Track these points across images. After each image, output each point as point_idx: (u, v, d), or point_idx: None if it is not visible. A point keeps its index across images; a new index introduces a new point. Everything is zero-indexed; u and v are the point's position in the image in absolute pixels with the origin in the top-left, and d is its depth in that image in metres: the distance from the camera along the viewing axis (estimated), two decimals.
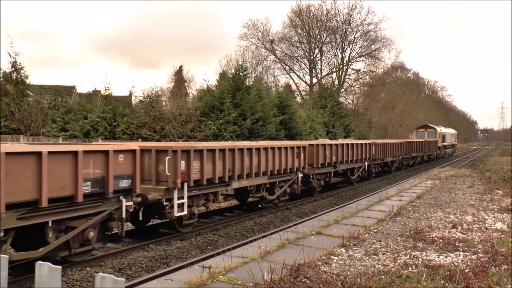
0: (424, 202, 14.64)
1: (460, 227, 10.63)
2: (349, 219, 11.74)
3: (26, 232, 7.73)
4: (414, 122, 70.98)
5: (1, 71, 23.96)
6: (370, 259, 7.85)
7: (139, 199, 9.60)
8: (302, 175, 16.61)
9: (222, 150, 12.24)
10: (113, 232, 9.57)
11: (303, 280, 6.49)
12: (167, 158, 10.47)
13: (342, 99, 51.16)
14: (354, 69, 57.22)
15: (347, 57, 55.82)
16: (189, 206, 11.14)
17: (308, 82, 56.41)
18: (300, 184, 16.46)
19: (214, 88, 26.48)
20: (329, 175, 19.87)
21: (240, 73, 26.89)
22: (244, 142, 18.06)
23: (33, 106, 23.99)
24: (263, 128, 25.72)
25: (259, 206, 15.55)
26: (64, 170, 7.84)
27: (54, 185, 7.63)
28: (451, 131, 59.04)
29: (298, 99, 53.95)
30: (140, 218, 10.01)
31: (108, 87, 25.02)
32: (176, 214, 10.66)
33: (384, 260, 7.77)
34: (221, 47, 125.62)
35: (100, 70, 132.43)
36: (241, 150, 13.05)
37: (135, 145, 9.73)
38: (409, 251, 8.36)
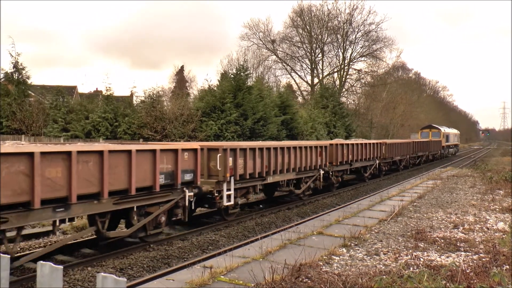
0: (425, 202, 14.62)
1: (461, 227, 10.62)
2: (351, 219, 11.73)
3: (114, 215, 9.40)
4: (415, 122, 70.94)
5: (3, 71, 24.00)
6: (371, 259, 7.85)
7: (196, 190, 11.16)
8: (323, 171, 18.18)
9: (261, 149, 14.04)
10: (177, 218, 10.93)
11: (304, 280, 6.49)
12: (218, 155, 12.18)
13: (343, 99, 51.15)
14: (355, 69, 57.26)
15: (348, 57, 55.86)
16: (230, 200, 12.68)
17: (310, 82, 56.42)
18: (321, 180, 18.17)
19: (215, 88, 26.48)
20: (345, 172, 21.56)
21: (242, 73, 26.88)
22: (276, 142, 19.67)
23: (35, 106, 24.00)
24: (264, 128, 25.72)
25: (285, 199, 17.56)
26: (146, 165, 9.59)
27: (139, 177, 9.39)
28: (454, 131, 60.79)
29: (300, 99, 53.96)
30: (193, 207, 11.39)
31: (109, 87, 25.03)
32: (225, 203, 12.41)
33: (386, 260, 7.76)
34: (222, 47, 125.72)
35: (101, 70, 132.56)
36: (275, 149, 14.82)
37: (196, 145, 11.57)
38: (410, 251, 8.35)
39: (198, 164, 11.08)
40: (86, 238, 10.44)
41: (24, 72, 24.24)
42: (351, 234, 9.49)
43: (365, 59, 56.46)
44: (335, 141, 22.07)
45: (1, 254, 3.48)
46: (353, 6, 55.08)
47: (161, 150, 9.94)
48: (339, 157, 19.88)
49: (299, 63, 56.74)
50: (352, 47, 55.66)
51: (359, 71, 56.95)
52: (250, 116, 25.04)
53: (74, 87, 39.21)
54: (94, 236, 9.96)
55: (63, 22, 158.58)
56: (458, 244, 8.90)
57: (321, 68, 56.24)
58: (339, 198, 18.93)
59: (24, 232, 9.02)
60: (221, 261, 7.61)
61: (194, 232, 11.65)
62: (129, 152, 9.14)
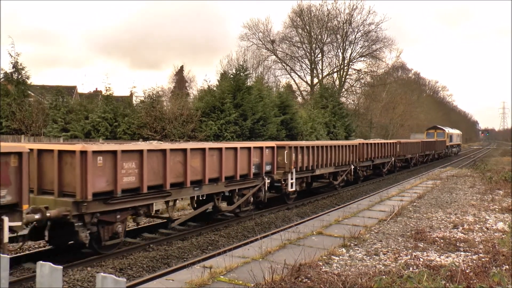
0: (425, 202, 14.63)
1: (461, 227, 10.63)
2: (350, 219, 11.74)
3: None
4: (415, 122, 70.99)
5: (2, 72, 23.99)
6: (371, 259, 7.85)
7: (270, 179, 14.36)
8: (353, 167, 21.50)
9: (313, 147, 17.53)
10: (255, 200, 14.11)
11: (304, 280, 6.49)
12: (285, 151, 15.51)
13: (343, 99, 51.12)
14: (355, 69, 57.22)
15: (348, 57, 55.82)
16: (292, 187, 15.99)
17: (309, 82, 56.40)
18: (352, 173, 21.40)
19: (215, 88, 26.48)
20: (368, 167, 24.75)
21: (241, 73, 26.87)
22: (322, 141, 24.23)
23: (34, 106, 23.99)
24: (263, 128, 25.72)
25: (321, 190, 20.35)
26: (244, 158, 13.12)
27: (241, 167, 12.89)
28: (457, 131, 64.55)
29: (299, 99, 53.92)
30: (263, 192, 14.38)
31: (109, 87, 25.02)
32: (289, 189, 15.80)
33: (385, 260, 7.77)
34: (222, 47, 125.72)
35: (101, 70, 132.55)
36: (322, 147, 18.21)
37: (274, 143, 15.00)
38: (410, 251, 8.35)
39: (275, 158, 14.60)
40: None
41: (23, 72, 24.23)
42: (351, 234, 9.50)
43: (365, 59, 56.49)
44: (357, 141, 24.75)
45: (1, 255, 3.48)
46: (353, 6, 55.09)
47: (254, 147, 13.58)
48: (364, 154, 23.19)
49: (298, 63, 56.76)
50: (351, 47, 55.70)
51: (358, 71, 56.98)
52: (250, 116, 25.03)
53: (74, 87, 39.19)
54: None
55: (63, 23, 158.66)
56: (457, 244, 8.91)
57: (320, 68, 56.26)
58: (338, 198, 18.94)
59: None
60: (221, 261, 7.61)
61: (194, 232, 11.65)
62: (235, 149, 12.67)
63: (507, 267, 7.10)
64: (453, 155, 55.64)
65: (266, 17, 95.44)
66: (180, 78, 61.00)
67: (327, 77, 56.18)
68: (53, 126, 23.01)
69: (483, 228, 10.64)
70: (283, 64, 56.47)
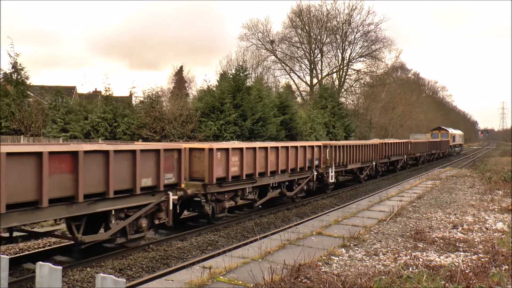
0: (424, 203, 14.63)
1: (460, 228, 10.63)
2: (350, 220, 11.74)
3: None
4: (414, 123, 71.05)
5: (2, 72, 23.98)
6: (370, 260, 7.85)
7: (317, 172, 17.57)
8: (374, 163, 25.09)
9: (346, 146, 21.03)
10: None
11: (303, 281, 6.49)
12: (327, 149, 18.94)
13: (342, 100, 51.12)
14: (354, 70, 57.19)
15: (347, 58, 55.81)
16: (332, 179, 19.52)
17: (309, 82, 56.40)
18: (374, 169, 25.26)
19: (214, 89, 26.47)
20: (385, 164, 28.31)
21: (241, 74, 26.88)
22: (351, 141, 27.76)
23: (34, 106, 23.99)
24: (263, 128, 25.72)
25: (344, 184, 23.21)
26: (301, 155, 16.37)
27: (300, 162, 16.18)
28: (459, 132, 68.87)
29: (299, 99, 53.87)
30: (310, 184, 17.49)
31: (108, 88, 25.04)
32: (330, 181, 19.30)
33: (385, 261, 7.77)
34: (221, 47, 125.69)
35: (100, 71, 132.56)
36: (352, 146, 21.87)
37: (321, 143, 18.53)
38: (409, 251, 8.36)
39: (321, 155, 18.05)
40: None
41: (23, 72, 24.24)
42: (350, 235, 9.50)
43: (364, 59, 56.49)
44: (373, 141, 27.82)
45: (1, 256, 3.48)
46: (352, 6, 55.11)
47: (308, 146, 16.93)
48: (383, 153, 26.76)
49: (298, 64, 56.76)
50: (351, 47, 55.70)
51: (358, 71, 56.95)
52: (249, 116, 25.03)
53: (73, 88, 39.18)
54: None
55: (62, 23, 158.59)
56: (457, 244, 8.91)
57: (320, 68, 56.27)
58: (338, 198, 18.94)
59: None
60: (220, 261, 7.61)
61: (193, 233, 11.65)
62: (296, 147, 16.06)
63: (506, 267, 7.11)
64: (455, 154, 58.71)
65: (265, 17, 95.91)
66: (179, 79, 60.99)
67: (327, 77, 56.22)
68: (53, 126, 23.01)
69: (483, 228, 10.65)
70: (283, 64, 56.50)
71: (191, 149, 12.07)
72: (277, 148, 14.77)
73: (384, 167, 27.98)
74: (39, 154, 7.38)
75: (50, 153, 7.55)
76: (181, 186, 10.68)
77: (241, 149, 12.95)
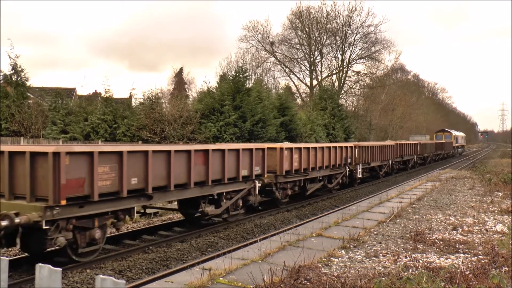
0: (424, 204, 14.63)
1: (460, 229, 10.63)
2: (350, 221, 11.73)
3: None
4: (414, 124, 71.04)
5: (2, 73, 23.98)
6: (370, 261, 7.85)
7: (348, 168, 20.95)
8: (391, 162, 28.54)
9: (370, 146, 24.33)
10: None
11: (303, 282, 6.48)
12: (357, 149, 22.17)
13: (342, 101, 51.10)
14: (354, 71, 57.20)
15: (347, 59, 55.82)
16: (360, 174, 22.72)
17: (308, 84, 56.41)
18: (390, 167, 28.66)
19: (214, 90, 26.47)
20: (400, 163, 31.72)
21: (240, 75, 26.87)
22: (372, 142, 32.33)
23: (34, 108, 23.99)
24: (263, 130, 25.71)
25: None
26: (345, 153, 20.40)
27: (332, 161, 19.19)
28: (461, 134, 72.86)
29: (298, 101, 53.88)
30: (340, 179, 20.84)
31: (108, 89, 25.04)
32: (358, 176, 22.48)
33: (385, 262, 7.76)
34: (221, 49, 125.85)
35: (99, 72, 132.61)
36: (375, 146, 25.22)
37: (352, 144, 22.55)
38: (409, 253, 8.35)
39: (354, 154, 21.85)
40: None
41: (23, 74, 24.24)
42: (350, 236, 9.49)
43: (364, 61, 56.48)
44: (389, 142, 30.97)
45: (1, 257, 3.48)
46: (352, 8, 55.14)
47: (344, 147, 20.80)
48: (397, 152, 30.14)
49: (298, 65, 56.76)
50: (351, 49, 55.70)
51: (358, 73, 56.98)
52: (249, 118, 25.03)
53: (73, 89, 39.19)
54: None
55: (62, 25, 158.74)
56: (457, 246, 8.91)
57: (320, 70, 56.27)
58: (338, 200, 18.95)
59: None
60: (220, 263, 7.61)
61: (193, 234, 11.65)
62: (335, 147, 19.81)
63: (506, 268, 7.10)
64: (457, 155, 62.27)
65: (265, 19, 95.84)
66: (179, 80, 61.00)
67: (326, 79, 56.22)
68: (52, 128, 23.01)
69: (483, 230, 10.65)
70: (282, 66, 56.52)
71: (267, 148, 14.70)
72: (322, 148, 18.41)
73: (398, 165, 31.67)
74: (188, 152, 10.73)
75: (196, 151, 10.98)
76: (265, 177, 14.06)
77: (300, 149, 16.52)
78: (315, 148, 17.79)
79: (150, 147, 9.91)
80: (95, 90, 40.64)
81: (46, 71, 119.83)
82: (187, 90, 55.75)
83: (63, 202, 7.85)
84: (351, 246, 8.90)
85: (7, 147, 8.49)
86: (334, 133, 37.60)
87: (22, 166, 8.01)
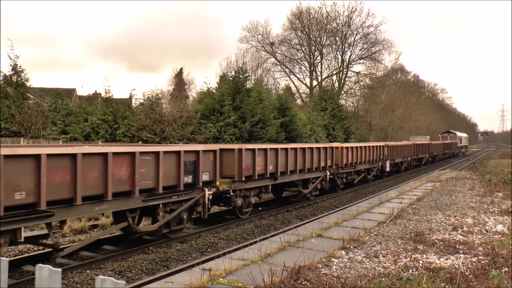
0: (424, 205, 14.63)
1: (460, 230, 10.63)
2: (350, 222, 11.73)
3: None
4: (414, 125, 71.04)
5: (2, 74, 23.98)
6: (370, 262, 7.84)
7: (380, 163, 25.59)
8: (409, 159, 33.63)
9: (395, 146, 29.58)
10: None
11: (303, 283, 6.48)
12: (385, 148, 26.98)
13: (342, 102, 51.14)
14: (354, 72, 57.25)
15: (347, 60, 55.86)
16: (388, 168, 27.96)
17: (308, 84, 56.43)
18: (409, 163, 33.83)
19: (214, 91, 26.47)
20: (415, 160, 36.77)
21: (240, 76, 26.87)
22: (397, 142, 37.47)
23: (34, 108, 23.98)
24: (263, 130, 25.70)
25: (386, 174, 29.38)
26: (373, 152, 24.81)
27: (370, 157, 24.41)
28: (465, 135, 78.95)
29: (298, 101, 53.87)
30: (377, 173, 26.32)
31: (108, 90, 25.04)
32: (387, 170, 27.62)
33: (385, 263, 7.76)
34: (221, 50, 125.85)
35: (98, 73, 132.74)
36: (397, 146, 30.37)
37: (384, 143, 27.81)
38: (409, 253, 8.35)
39: (385, 152, 26.26)
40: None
41: (23, 74, 24.23)
42: (350, 237, 9.49)
43: (364, 61, 56.52)
44: (406, 142, 36.50)
45: (1, 258, 3.48)
46: (352, 8, 55.20)
47: (378, 146, 25.57)
48: (413, 151, 35.54)
49: (298, 66, 56.79)
50: (351, 49, 55.75)
51: (358, 73, 57.01)
52: (249, 118, 25.03)
53: (73, 90, 39.21)
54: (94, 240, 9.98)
55: (61, 26, 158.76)
56: (457, 247, 8.91)
57: (320, 70, 56.29)
58: (338, 200, 18.95)
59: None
60: (220, 263, 7.60)
61: (193, 235, 11.65)
62: (371, 147, 24.36)
63: (506, 269, 7.10)
64: (461, 154, 67.39)
65: (265, 19, 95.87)
66: (179, 81, 61.02)
67: (326, 79, 56.25)
68: (53, 128, 23.01)
69: (483, 230, 10.64)
70: (282, 66, 56.55)
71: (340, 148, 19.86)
72: (365, 147, 23.35)
73: (415, 162, 36.70)
74: (197, 153, 11.30)
75: (203, 151, 11.65)
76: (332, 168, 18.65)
77: (352, 148, 21.65)
78: (361, 147, 22.84)
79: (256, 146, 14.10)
80: (95, 91, 40.70)
81: (45, 72, 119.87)
82: (187, 91, 55.79)
83: (243, 179, 13.19)
84: (351, 247, 8.89)
85: (216, 146, 12.83)
86: (334, 134, 37.59)
87: (228, 157, 13.22)
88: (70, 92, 37.19)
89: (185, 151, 10.72)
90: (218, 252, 9.91)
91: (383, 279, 6.40)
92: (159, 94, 26.60)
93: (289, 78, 56.98)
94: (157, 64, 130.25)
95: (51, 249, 9.64)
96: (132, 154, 9.22)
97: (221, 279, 6.79)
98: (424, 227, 10.90)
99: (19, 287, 7.57)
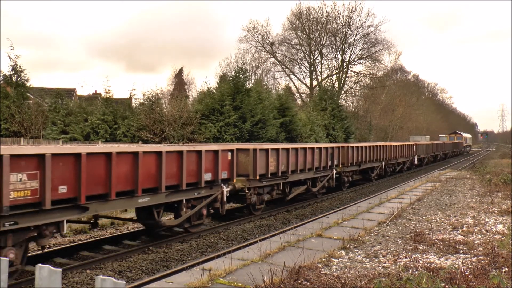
0: (424, 205, 14.63)
1: (460, 230, 10.62)
2: (350, 222, 11.73)
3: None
4: (414, 125, 71.03)
5: (2, 74, 23.97)
6: (370, 262, 7.84)
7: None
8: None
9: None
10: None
11: (303, 283, 6.48)
12: (415, 146, 34.70)
13: (342, 102, 51.12)
14: (354, 72, 57.23)
15: (347, 60, 55.83)
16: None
17: (308, 84, 56.40)
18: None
19: (214, 91, 26.46)
20: (433, 156, 42.95)
21: (240, 76, 26.86)
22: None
23: (34, 108, 23.96)
24: (263, 130, 25.70)
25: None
26: (404, 151, 32.07)
27: (405, 153, 32.11)
28: (469, 135, 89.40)
29: (298, 101, 53.85)
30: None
31: (108, 90, 25.01)
32: (416, 163, 35.34)
33: (385, 263, 7.76)
34: (221, 50, 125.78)
35: (97, 74, 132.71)
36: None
37: (413, 142, 36.98)
38: (409, 253, 8.35)
39: (415, 148, 33.58)
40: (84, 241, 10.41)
41: (23, 74, 24.21)
42: (350, 237, 9.49)
43: (364, 61, 56.49)
44: (430, 141, 41.60)
45: (1, 258, 3.48)
46: (352, 8, 55.19)
47: (403, 145, 31.16)
48: (431, 149, 41.87)
49: (298, 66, 56.76)
50: (351, 49, 55.72)
51: (358, 73, 56.99)
52: (249, 118, 25.03)
53: (73, 90, 39.18)
54: (93, 239, 10.01)
55: (61, 26, 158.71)
56: (457, 247, 8.91)
57: (320, 70, 56.27)
58: (338, 200, 18.95)
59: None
60: (220, 263, 7.60)
61: (193, 235, 11.65)
62: (393, 146, 28.95)
63: (506, 269, 7.10)
64: (466, 153, 73.80)
65: (265, 19, 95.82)
66: (179, 81, 60.99)
67: (326, 79, 56.22)
68: (52, 128, 22.99)
69: (483, 230, 10.64)
70: (282, 66, 56.53)
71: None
72: (401, 145, 28.72)
73: (431, 159, 43.07)
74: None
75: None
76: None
77: (392, 146, 27.90)
78: (400, 145, 29.56)
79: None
80: (95, 91, 40.64)
81: (45, 73, 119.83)
82: (187, 91, 55.78)
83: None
84: (351, 247, 8.89)
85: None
86: (334, 134, 37.58)
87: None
88: (70, 92, 37.17)
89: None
90: (218, 252, 9.91)
91: (383, 279, 6.40)
92: (159, 94, 26.58)
93: (289, 78, 57.03)
94: (157, 64, 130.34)
95: (51, 249, 9.66)
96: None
97: (221, 279, 6.79)
98: (424, 227, 10.90)
99: (19, 287, 7.57)
